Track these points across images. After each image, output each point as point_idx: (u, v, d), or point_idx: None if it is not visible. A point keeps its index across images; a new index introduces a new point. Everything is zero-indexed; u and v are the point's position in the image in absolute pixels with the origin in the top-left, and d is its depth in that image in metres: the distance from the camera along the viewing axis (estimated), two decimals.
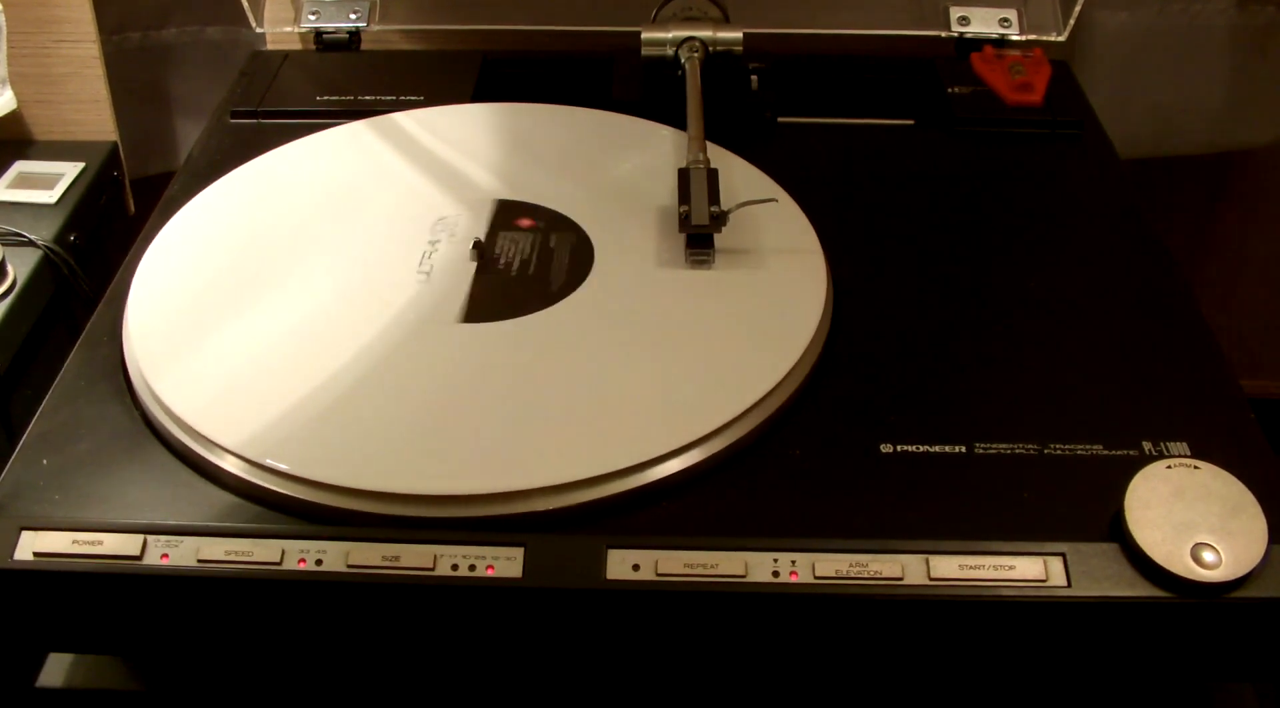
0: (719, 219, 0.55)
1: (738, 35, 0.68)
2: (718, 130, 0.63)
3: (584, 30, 0.74)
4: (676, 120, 0.64)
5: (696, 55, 0.67)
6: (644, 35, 0.68)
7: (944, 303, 0.55)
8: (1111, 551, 0.43)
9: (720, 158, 0.62)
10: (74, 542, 0.44)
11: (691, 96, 0.63)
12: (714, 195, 0.56)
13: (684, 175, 0.57)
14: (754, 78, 0.69)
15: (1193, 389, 0.50)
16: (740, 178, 0.61)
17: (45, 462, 0.47)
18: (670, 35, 0.68)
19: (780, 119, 0.68)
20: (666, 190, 0.60)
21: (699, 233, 0.56)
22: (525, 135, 0.66)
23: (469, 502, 0.44)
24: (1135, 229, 0.60)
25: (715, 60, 0.68)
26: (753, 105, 0.69)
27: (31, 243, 0.69)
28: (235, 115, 0.69)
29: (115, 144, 0.78)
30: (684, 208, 0.56)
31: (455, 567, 0.43)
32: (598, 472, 0.45)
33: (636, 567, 0.43)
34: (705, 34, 0.68)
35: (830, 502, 0.45)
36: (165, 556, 0.43)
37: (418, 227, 0.58)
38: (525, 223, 0.58)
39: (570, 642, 0.45)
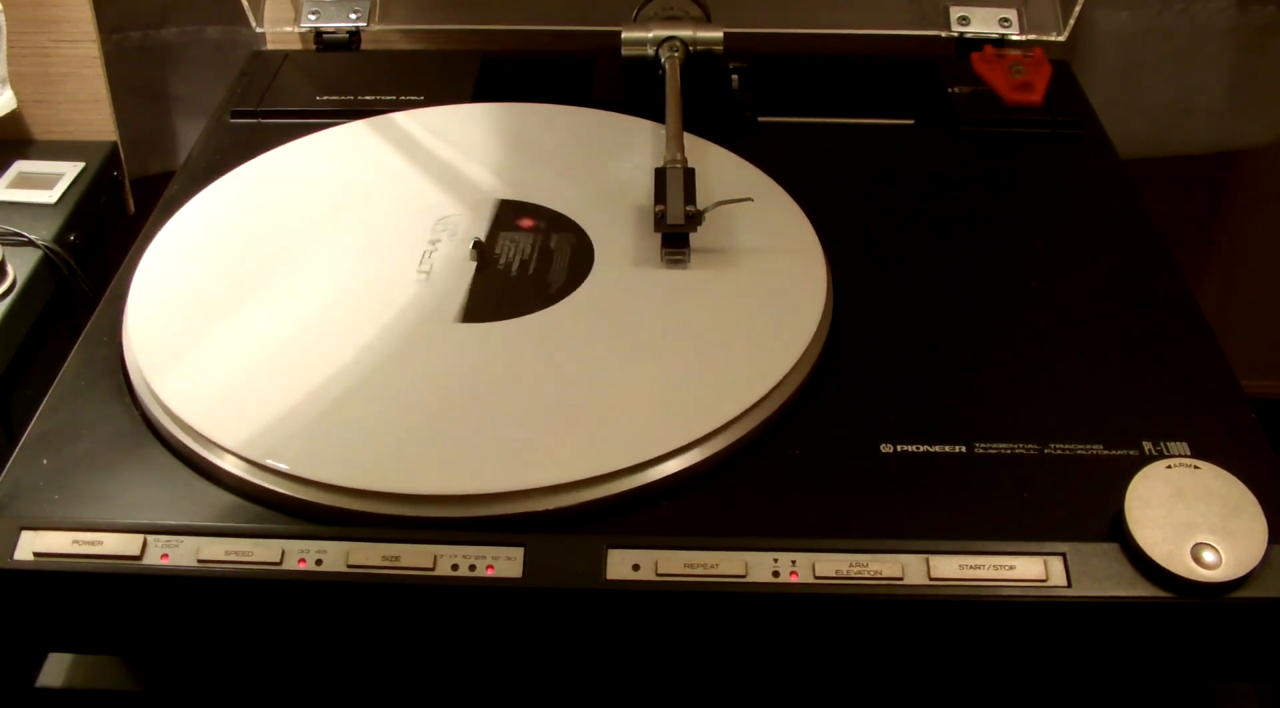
0: (694, 219, 0.55)
1: (718, 35, 0.68)
2: (702, 130, 0.63)
3: (585, 30, 0.74)
4: (658, 120, 0.64)
5: (677, 55, 0.67)
6: (624, 35, 0.68)
7: (944, 303, 0.55)
8: (1112, 551, 0.43)
9: (718, 157, 0.62)
10: (74, 542, 0.44)
11: (671, 96, 0.63)
12: (690, 195, 0.56)
13: (660, 175, 0.57)
14: (735, 77, 0.69)
15: (1193, 389, 0.50)
16: (739, 177, 0.61)
17: (45, 462, 0.47)
18: (650, 35, 0.68)
19: (780, 119, 0.68)
20: None
21: (674, 232, 0.56)
22: (526, 135, 0.66)
23: (469, 502, 0.44)
24: (1135, 229, 0.60)
25: (696, 60, 0.68)
26: (733, 105, 0.68)
27: (31, 243, 0.69)
28: (235, 115, 0.69)
29: (115, 144, 0.78)
30: (660, 207, 0.56)
31: (455, 567, 0.43)
32: (598, 472, 0.45)
33: (636, 567, 0.43)
34: (685, 33, 0.68)
35: (830, 502, 0.45)
36: (165, 556, 0.43)
37: (418, 226, 0.58)
38: (526, 223, 0.58)
39: (570, 642, 0.45)
